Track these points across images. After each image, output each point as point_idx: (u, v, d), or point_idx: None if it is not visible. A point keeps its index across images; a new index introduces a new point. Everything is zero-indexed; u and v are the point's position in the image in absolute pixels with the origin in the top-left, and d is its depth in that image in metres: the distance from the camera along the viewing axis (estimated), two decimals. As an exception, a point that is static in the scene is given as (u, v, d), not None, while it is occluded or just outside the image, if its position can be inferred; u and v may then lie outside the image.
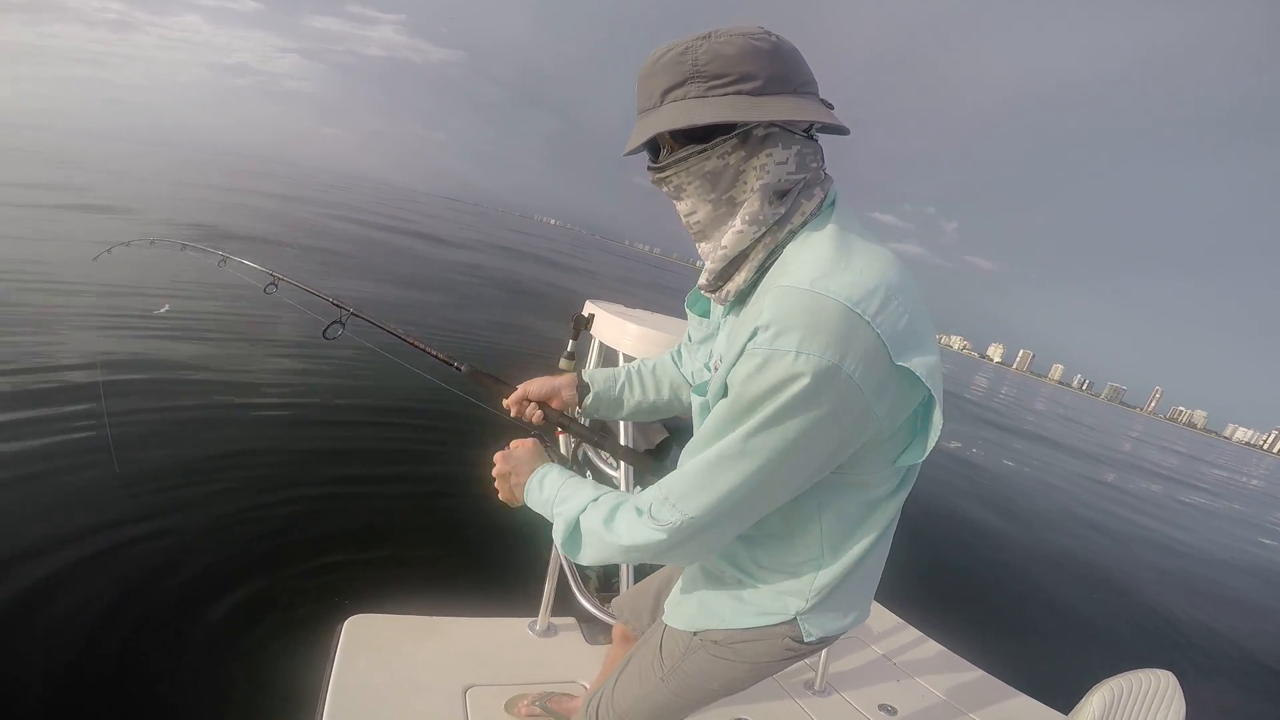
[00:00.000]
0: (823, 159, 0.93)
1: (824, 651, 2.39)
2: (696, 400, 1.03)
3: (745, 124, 0.83)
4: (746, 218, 0.87)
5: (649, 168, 0.93)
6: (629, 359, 2.11)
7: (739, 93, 0.82)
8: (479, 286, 13.37)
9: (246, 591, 2.79)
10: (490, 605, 2.49)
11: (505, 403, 1.33)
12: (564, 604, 2.39)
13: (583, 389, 1.33)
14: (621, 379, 1.34)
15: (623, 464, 2.19)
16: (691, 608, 1.14)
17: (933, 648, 2.94)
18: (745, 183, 0.87)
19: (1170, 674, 1.78)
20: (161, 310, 6.73)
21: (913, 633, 3.03)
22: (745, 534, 0.96)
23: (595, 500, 0.97)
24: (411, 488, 4.11)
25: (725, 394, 0.84)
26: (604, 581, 2.59)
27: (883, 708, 2.40)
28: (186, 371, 4.83)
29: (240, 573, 2.90)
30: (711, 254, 0.93)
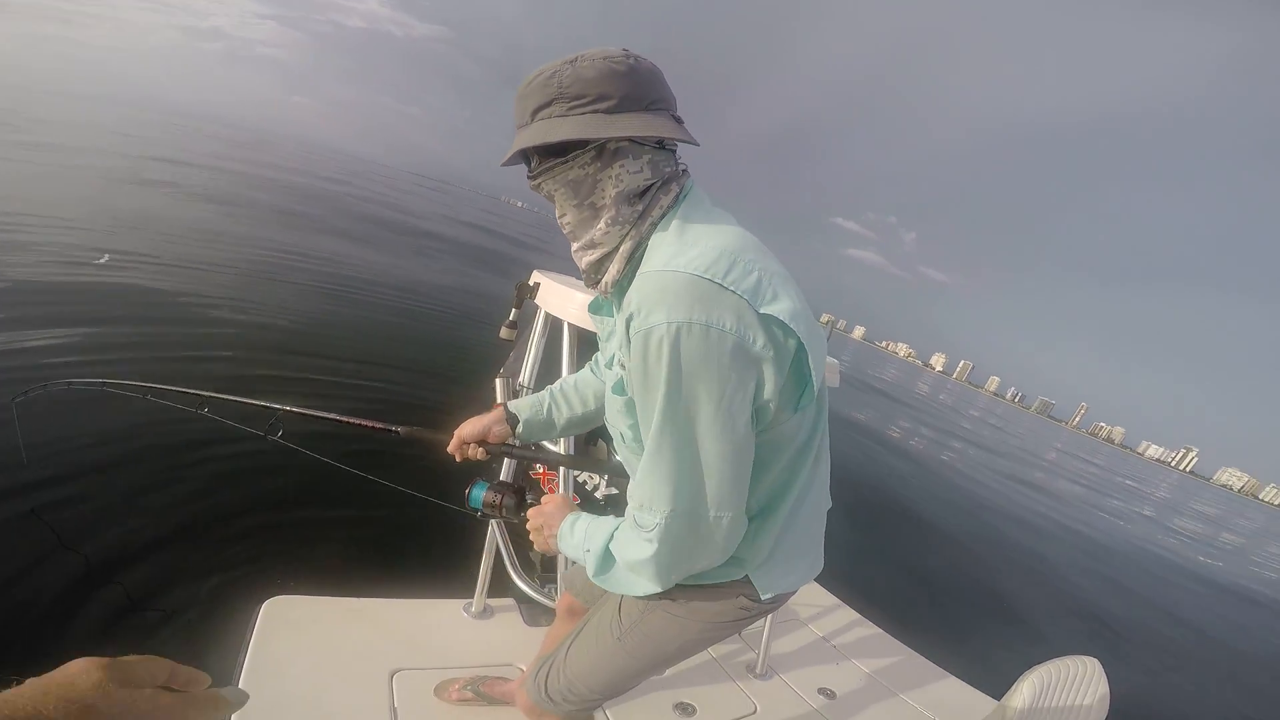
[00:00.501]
0: (677, 163, 1.03)
1: (765, 634, 2.38)
2: (618, 400, 1.08)
3: (597, 140, 0.93)
4: (607, 220, 0.98)
5: (527, 177, 1.03)
6: (574, 329, 2.04)
7: (595, 111, 0.92)
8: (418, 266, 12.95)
9: (153, 569, 2.59)
10: (423, 587, 2.38)
11: (448, 450, 1.41)
12: (503, 586, 2.30)
13: (512, 420, 1.39)
14: (547, 401, 1.41)
15: (562, 469, 2.17)
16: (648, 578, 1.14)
17: (871, 631, 2.97)
18: (603, 190, 0.97)
19: (1095, 660, 1.82)
20: (101, 260, 6.40)
21: (851, 614, 3.05)
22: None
23: (614, 532, 1.04)
24: (303, 449, 3.92)
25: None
26: (547, 562, 2.51)
27: (822, 691, 2.39)
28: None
29: (147, 548, 2.68)
30: (584, 253, 1.03)
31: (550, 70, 0.93)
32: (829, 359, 2.35)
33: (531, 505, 1.23)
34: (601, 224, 0.98)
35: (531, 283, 2.11)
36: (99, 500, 2.86)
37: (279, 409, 1.61)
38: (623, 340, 0.93)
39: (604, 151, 0.95)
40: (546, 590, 2.30)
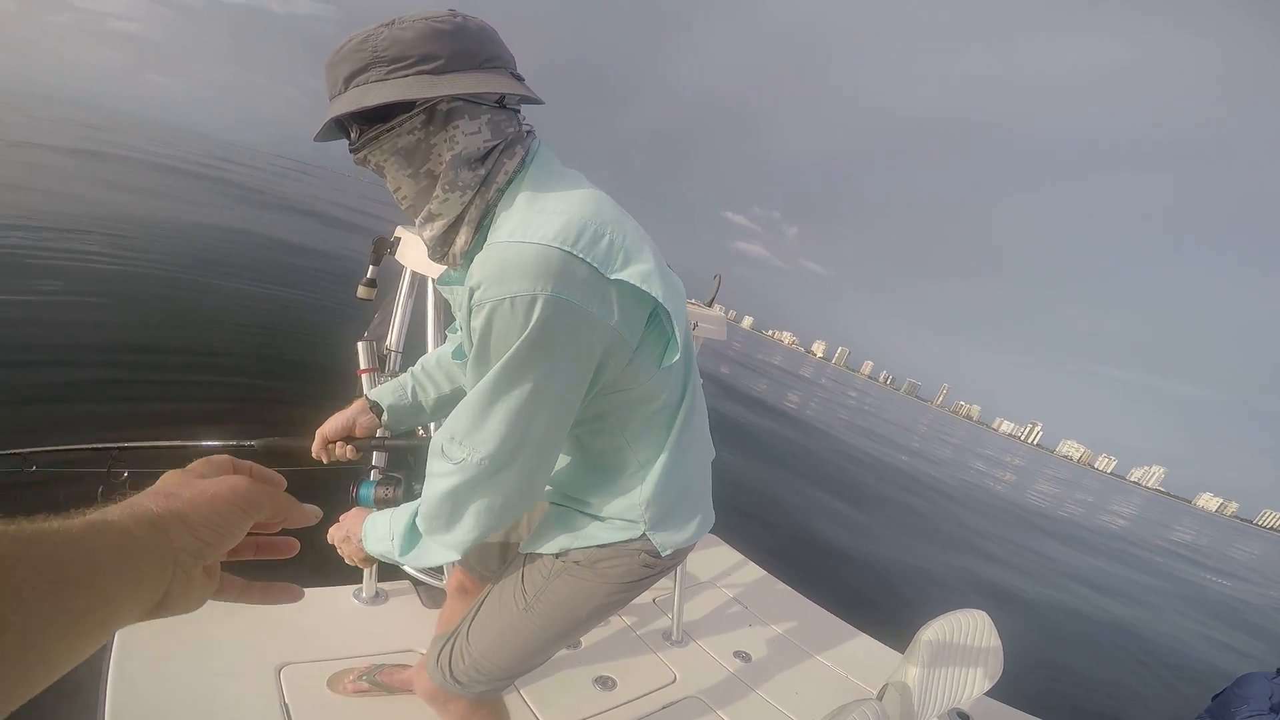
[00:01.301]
0: (521, 123, 0.96)
1: (677, 600, 2.34)
2: (457, 360, 1.07)
3: (425, 101, 0.85)
4: (446, 185, 0.90)
5: (350, 150, 0.92)
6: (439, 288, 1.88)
7: (420, 73, 0.84)
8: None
9: None
10: (306, 575, 2.13)
11: (313, 454, 1.26)
12: (393, 569, 2.10)
13: (376, 409, 1.28)
14: (410, 384, 1.30)
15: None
16: (551, 532, 1.12)
17: (779, 588, 3.01)
18: (439, 155, 0.89)
19: (984, 613, 1.91)
20: None
21: (759, 572, 3.09)
22: (572, 470, 1.07)
23: (417, 506, 1.00)
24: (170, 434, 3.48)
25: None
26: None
27: (737, 654, 2.38)
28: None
29: None
30: (426, 226, 0.95)
31: (363, 35, 0.84)
32: (717, 312, 2.32)
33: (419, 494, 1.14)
34: (439, 190, 0.90)
35: (393, 238, 1.91)
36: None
37: (115, 447, 1.35)
38: (464, 308, 0.88)
39: (435, 113, 0.87)
40: (441, 572, 2.13)
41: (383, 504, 1.22)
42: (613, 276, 0.84)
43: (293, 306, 7.26)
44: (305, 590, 1.74)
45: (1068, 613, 6.77)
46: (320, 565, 2.24)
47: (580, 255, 0.81)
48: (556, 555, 1.11)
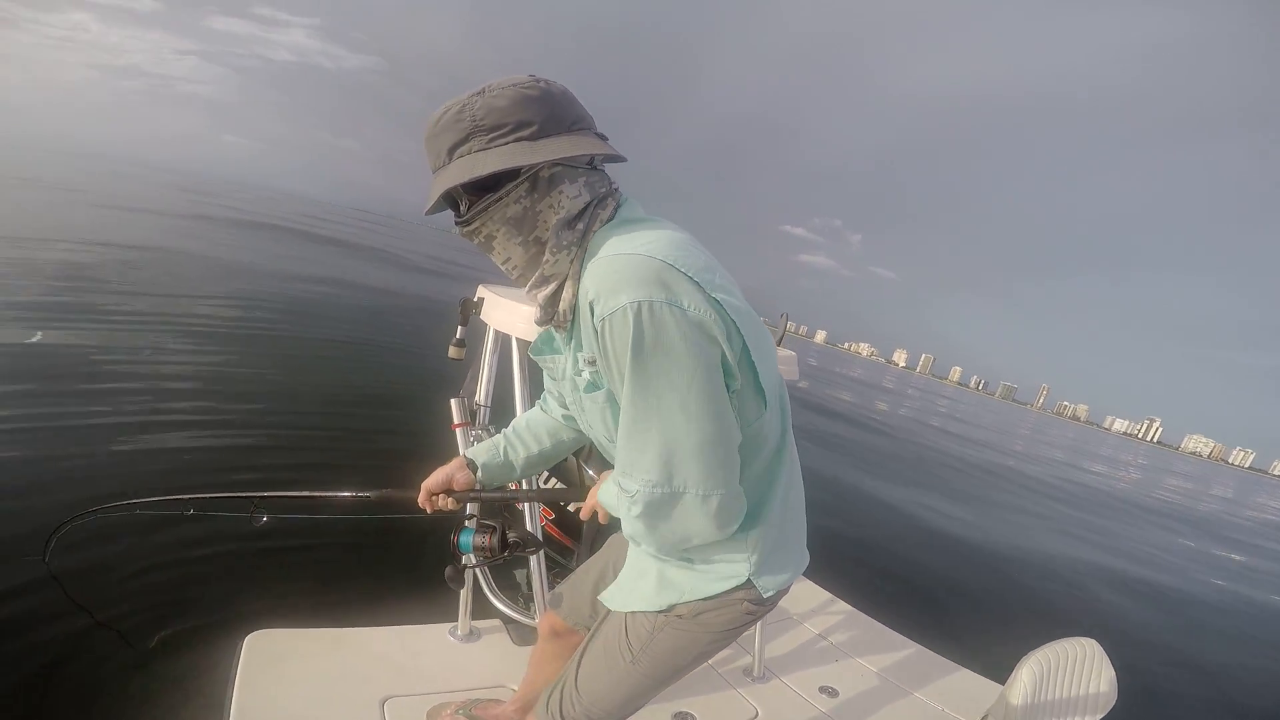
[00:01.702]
0: (610, 181, 1.01)
1: (758, 636, 2.34)
2: (597, 397, 1.03)
3: (530, 167, 0.89)
4: (553, 248, 0.94)
5: (456, 223, 0.97)
6: (524, 344, 2.00)
7: (519, 139, 0.88)
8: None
9: (134, 610, 2.49)
10: (405, 613, 2.29)
11: (420, 504, 1.38)
12: (485, 607, 2.23)
13: (471, 466, 1.38)
14: (502, 444, 1.39)
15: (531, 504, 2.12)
16: (650, 588, 1.14)
17: (867, 624, 2.94)
18: (545, 221, 0.93)
19: (1094, 641, 1.82)
20: (34, 339, 5.81)
21: (845, 608, 3.02)
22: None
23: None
24: (300, 482, 3.76)
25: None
26: (529, 582, 2.44)
27: (823, 689, 2.36)
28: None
29: (126, 590, 2.58)
30: (539, 290, 0.98)
31: (459, 105, 0.89)
32: (785, 351, 2.35)
33: (513, 542, 1.30)
34: (548, 254, 0.94)
35: (476, 298, 2.06)
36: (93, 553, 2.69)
37: (257, 496, 1.60)
38: (588, 331, 0.92)
39: (539, 180, 0.91)
40: (530, 611, 2.24)
41: (480, 550, 1.33)
42: (713, 295, 0.88)
43: (392, 361, 7.70)
44: (405, 628, 1.92)
45: (1201, 635, 6.18)
46: (419, 605, 2.42)
47: (681, 268, 0.86)
48: (660, 611, 1.13)
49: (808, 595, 3.08)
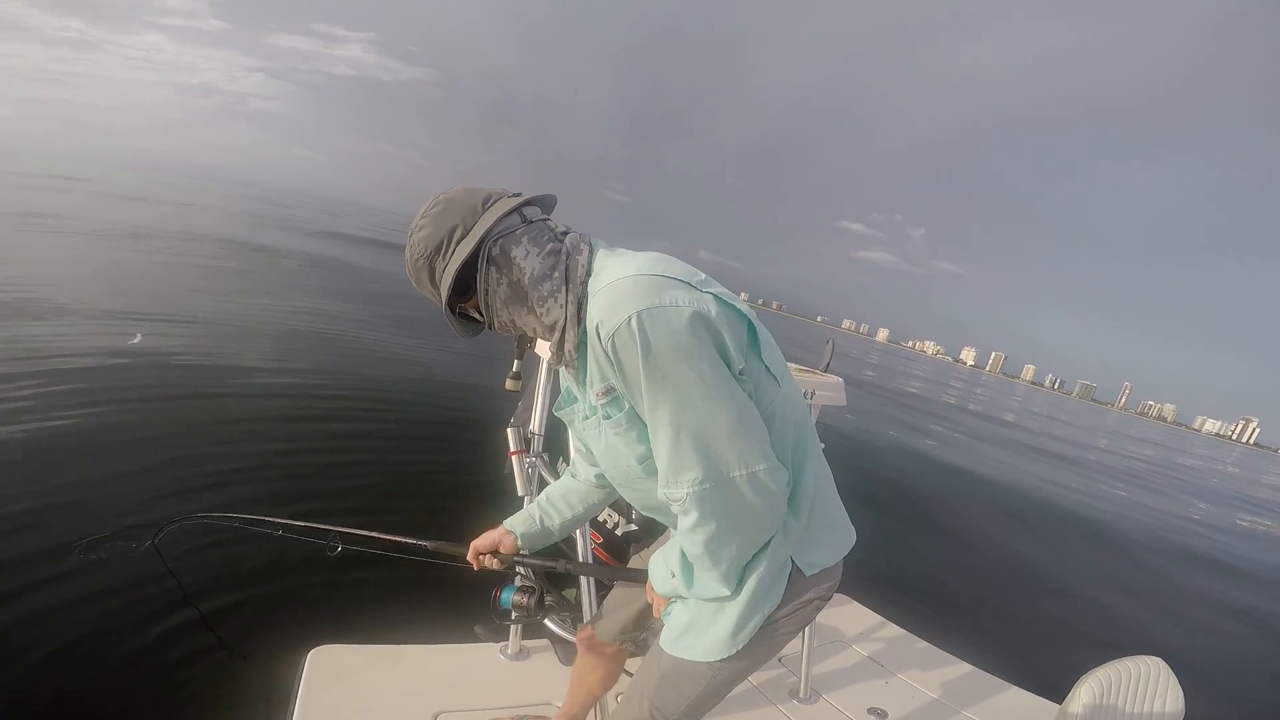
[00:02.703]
0: (552, 229, 1.10)
1: (805, 655, 2.33)
2: (616, 424, 1.08)
3: (477, 254, 1.04)
4: (539, 301, 1.04)
5: (488, 328, 1.14)
6: None
7: (456, 242, 1.05)
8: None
9: (202, 621, 2.66)
10: (459, 632, 2.39)
11: (469, 561, 1.53)
12: (534, 627, 2.30)
13: (513, 534, 1.50)
14: (537, 514, 1.50)
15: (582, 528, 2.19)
16: (724, 633, 1.14)
17: (918, 644, 2.88)
18: (521, 286, 1.05)
19: (1160, 660, 1.75)
20: (134, 341, 6.42)
21: (896, 630, 2.97)
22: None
23: (667, 546, 1.18)
24: (370, 515, 3.94)
25: (631, 414, 1.04)
26: (575, 603, 2.51)
27: (872, 711, 2.33)
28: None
29: (195, 600, 2.76)
30: (549, 338, 1.08)
31: (409, 253, 1.07)
32: (834, 377, 2.34)
33: (550, 603, 1.42)
34: (539, 309, 1.05)
35: None
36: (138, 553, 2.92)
37: (335, 530, 1.94)
38: (599, 360, 1.00)
39: (492, 260, 1.04)
40: (573, 629, 2.29)
41: (518, 608, 1.47)
42: (703, 290, 0.98)
43: (449, 386, 7.85)
44: (459, 646, 2.07)
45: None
46: (469, 622, 2.51)
47: (672, 274, 0.97)
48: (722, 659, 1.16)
49: (855, 616, 3.04)
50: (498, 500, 2.22)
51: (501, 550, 1.49)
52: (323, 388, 6.44)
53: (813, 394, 2.19)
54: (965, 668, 2.73)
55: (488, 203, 1.06)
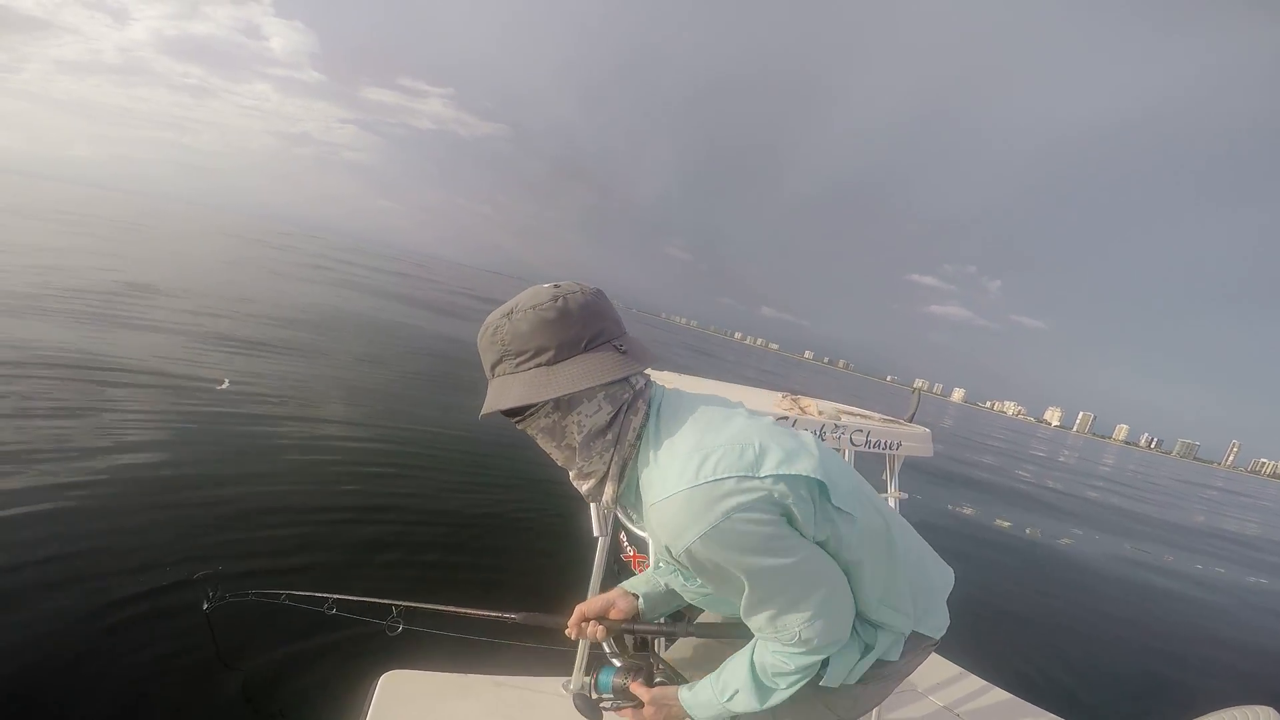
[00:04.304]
0: (634, 384, 1.07)
1: (878, 707, 2.23)
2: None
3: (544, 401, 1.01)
4: (582, 457, 1.06)
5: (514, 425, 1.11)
6: None
7: (538, 365, 1.00)
8: None
9: (280, 643, 2.79)
10: (524, 664, 2.43)
11: (566, 631, 1.41)
12: (599, 662, 2.31)
13: (632, 597, 1.41)
14: (664, 577, 1.42)
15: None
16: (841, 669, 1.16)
17: (998, 695, 2.72)
18: (572, 435, 1.05)
19: (1272, 710, 1.64)
20: (222, 386, 6.78)
21: (978, 682, 2.81)
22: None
23: (752, 658, 1.12)
24: (447, 540, 4.03)
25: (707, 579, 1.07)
26: (640, 644, 2.50)
27: None
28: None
29: (274, 624, 2.85)
30: (580, 482, 1.12)
31: (493, 326, 1.03)
32: (920, 428, 2.32)
33: (660, 683, 1.27)
34: (578, 461, 1.07)
35: None
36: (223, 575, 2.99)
37: (398, 604, 1.85)
38: (671, 562, 1.11)
39: (560, 402, 1.02)
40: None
41: (618, 692, 1.29)
42: (762, 474, 0.96)
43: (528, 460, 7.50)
44: (522, 679, 2.03)
45: None
46: (533, 656, 2.56)
47: (725, 476, 0.94)
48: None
49: (930, 665, 2.88)
50: (576, 546, 2.20)
51: (612, 615, 1.38)
52: (383, 442, 6.49)
53: (898, 444, 2.20)
54: (1053, 719, 2.55)
55: (593, 344, 1.02)
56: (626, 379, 1.06)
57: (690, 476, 0.95)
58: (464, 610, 1.72)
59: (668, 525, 0.97)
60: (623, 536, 2.20)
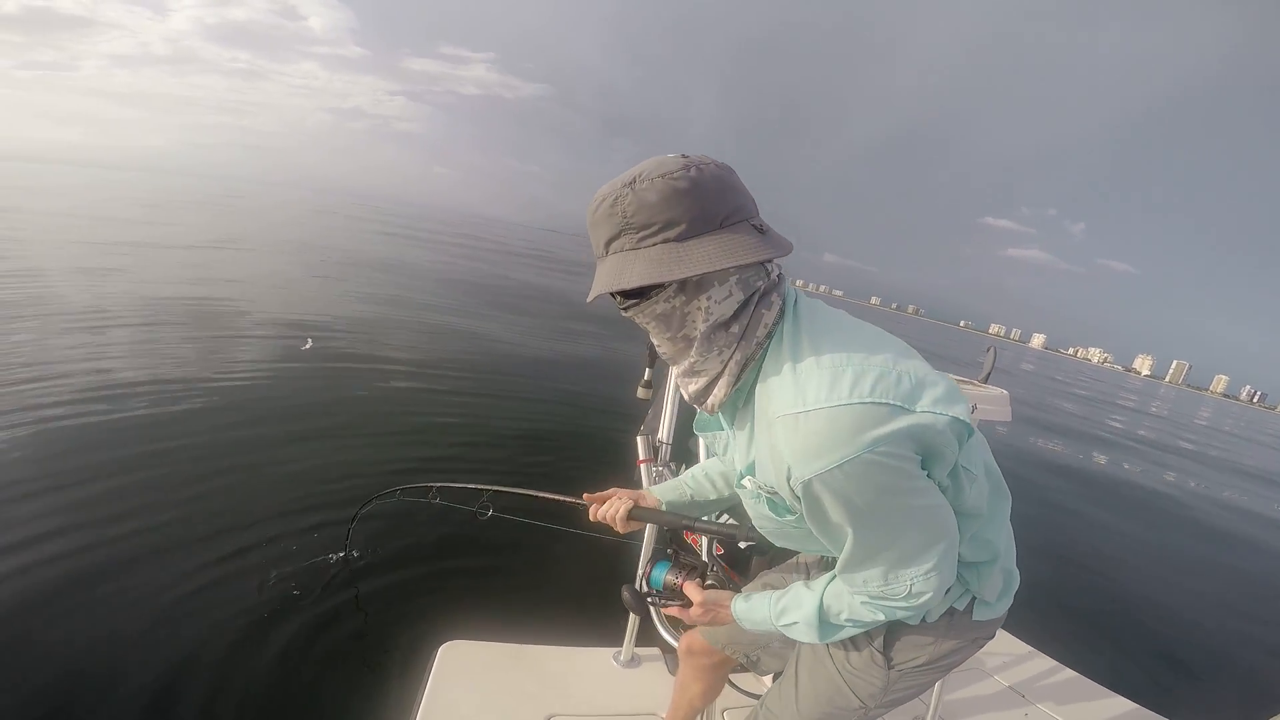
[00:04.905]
0: (770, 272, 0.94)
1: (939, 684, 2.16)
2: (745, 484, 1.06)
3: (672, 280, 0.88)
4: (702, 349, 0.93)
5: (619, 310, 0.99)
6: None
7: (665, 241, 0.86)
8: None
9: (343, 612, 2.94)
10: (577, 634, 2.48)
11: (592, 512, 1.39)
12: (648, 634, 2.34)
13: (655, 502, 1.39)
14: (690, 487, 1.38)
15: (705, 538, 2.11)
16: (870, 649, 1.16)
17: (1067, 674, 2.62)
18: (694, 323, 0.92)
19: None
20: (306, 347, 7.26)
21: (1046, 661, 2.71)
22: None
23: (823, 597, 1.05)
24: (505, 515, 4.16)
25: (802, 515, 0.93)
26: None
27: None
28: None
29: (336, 592, 3.06)
30: (687, 380, 1.00)
31: (612, 196, 0.88)
32: (996, 389, 2.17)
33: (711, 585, 1.24)
34: (694, 354, 0.95)
35: None
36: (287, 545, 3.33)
37: (486, 489, 1.99)
38: (769, 479, 0.95)
39: (687, 284, 0.89)
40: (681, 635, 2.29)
41: (669, 589, 1.27)
42: (918, 410, 0.85)
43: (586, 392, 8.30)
44: (575, 649, 2.12)
45: None
46: (587, 626, 2.60)
47: (880, 401, 0.83)
48: (890, 667, 1.15)
49: (995, 642, 2.77)
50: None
51: (643, 504, 1.35)
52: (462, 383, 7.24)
53: (974, 408, 2.05)
54: (1125, 704, 2.44)
55: (729, 221, 0.88)
56: (763, 264, 0.93)
57: (839, 393, 0.83)
58: (540, 494, 1.80)
59: (799, 445, 0.84)
60: (669, 535, 2.18)
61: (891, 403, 0.83)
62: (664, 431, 2.26)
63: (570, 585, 3.30)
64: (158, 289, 9.83)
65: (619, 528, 1.35)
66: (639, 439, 2.25)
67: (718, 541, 2.41)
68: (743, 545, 2.58)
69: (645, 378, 2.21)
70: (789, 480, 0.87)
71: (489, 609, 3.03)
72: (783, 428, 0.86)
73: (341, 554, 3.20)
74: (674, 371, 1.02)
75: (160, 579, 2.92)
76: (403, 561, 3.39)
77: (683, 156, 0.88)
